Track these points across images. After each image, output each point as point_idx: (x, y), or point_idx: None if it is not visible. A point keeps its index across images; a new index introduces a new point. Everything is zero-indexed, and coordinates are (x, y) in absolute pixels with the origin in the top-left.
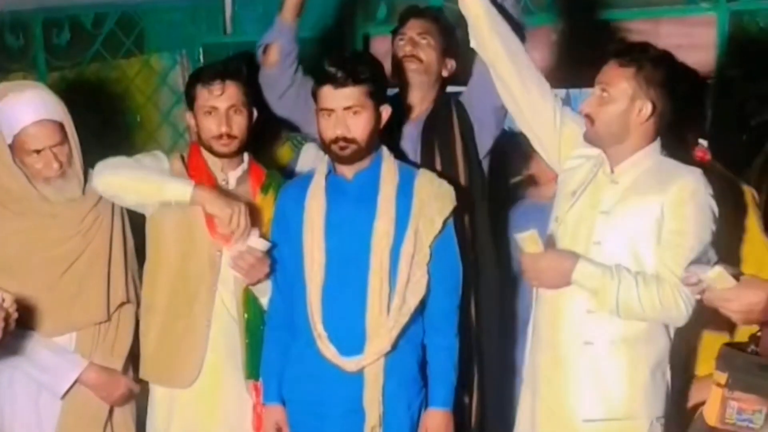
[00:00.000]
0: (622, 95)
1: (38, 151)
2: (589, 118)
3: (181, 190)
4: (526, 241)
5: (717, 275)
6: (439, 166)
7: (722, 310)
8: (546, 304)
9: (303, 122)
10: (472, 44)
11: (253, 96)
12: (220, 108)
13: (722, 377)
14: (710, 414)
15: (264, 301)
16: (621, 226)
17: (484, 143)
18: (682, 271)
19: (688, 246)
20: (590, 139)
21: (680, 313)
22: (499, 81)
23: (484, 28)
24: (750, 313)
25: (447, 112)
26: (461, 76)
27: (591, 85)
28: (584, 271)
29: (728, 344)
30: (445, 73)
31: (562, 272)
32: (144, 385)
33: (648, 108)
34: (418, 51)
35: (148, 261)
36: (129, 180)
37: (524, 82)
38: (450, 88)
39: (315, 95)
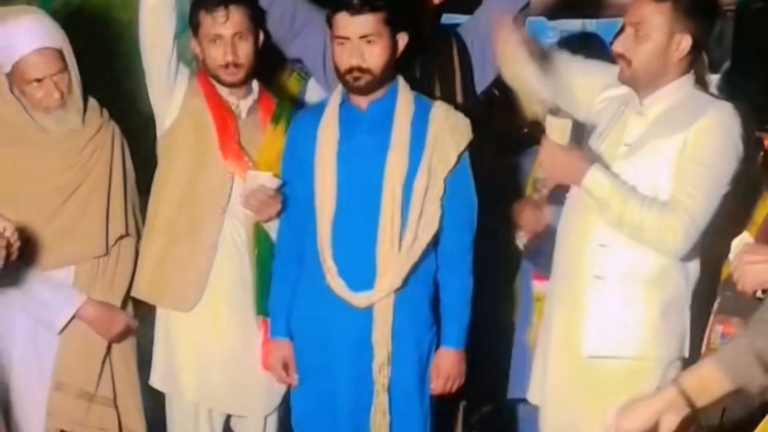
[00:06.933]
0: (659, 31)
1: (39, 80)
2: (624, 59)
3: None
4: (554, 128)
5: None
6: (437, 97)
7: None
8: (564, 237)
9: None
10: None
11: (259, 19)
12: (225, 35)
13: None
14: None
15: (275, 236)
16: (642, 159)
17: (486, 76)
18: (690, 200)
19: (701, 176)
20: (627, 80)
21: (676, 242)
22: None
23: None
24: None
25: (447, 43)
26: (460, 5)
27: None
28: (595, 178)
29: None
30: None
31: (575, 172)
32: (145, 322)
33: (688, 41)
34: None
35: (157, 177)
36: None
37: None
38: (449, 18)
39: (330, 22)
